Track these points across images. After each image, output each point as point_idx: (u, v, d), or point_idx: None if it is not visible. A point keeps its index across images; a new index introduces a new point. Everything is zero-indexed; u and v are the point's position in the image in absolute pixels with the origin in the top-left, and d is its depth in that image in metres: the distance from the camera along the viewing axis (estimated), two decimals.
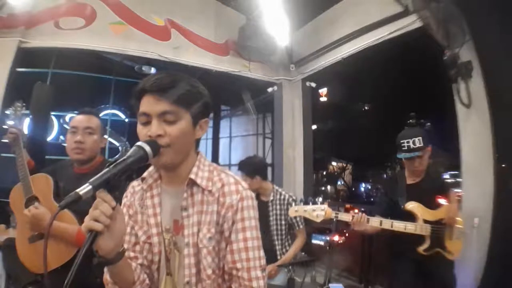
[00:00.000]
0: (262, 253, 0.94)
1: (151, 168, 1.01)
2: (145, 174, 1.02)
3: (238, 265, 0.90)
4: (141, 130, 0.89)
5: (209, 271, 0.91)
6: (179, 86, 0.89)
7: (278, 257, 2.45)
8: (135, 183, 1.05)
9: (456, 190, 2.11)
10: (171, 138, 0.87)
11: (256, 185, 2.44)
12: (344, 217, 2.03)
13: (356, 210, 2.06)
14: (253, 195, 0.97)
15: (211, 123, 5.83)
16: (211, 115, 0.95)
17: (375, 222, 2.00)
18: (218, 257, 0.93)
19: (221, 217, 0.92)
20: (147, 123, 0.88)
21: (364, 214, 2.00)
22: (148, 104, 0.88)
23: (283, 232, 2.49)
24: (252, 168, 2.45)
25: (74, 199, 0.69)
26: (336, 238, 3.15)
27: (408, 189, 2.15)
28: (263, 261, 0.93)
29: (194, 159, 0.98)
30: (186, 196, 0.94)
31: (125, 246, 0.99)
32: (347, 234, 3.56)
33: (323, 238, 4.03)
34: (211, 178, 0.96)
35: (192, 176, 0.94)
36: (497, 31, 2.57)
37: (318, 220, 2.00)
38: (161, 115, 0.87)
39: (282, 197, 2.50)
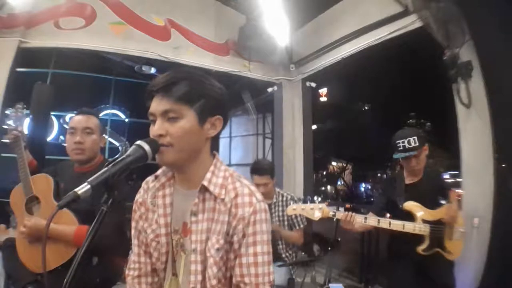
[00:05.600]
0: (271, 268, 0.91)
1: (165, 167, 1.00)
2: (159, 172, 1.00)
3: (246, 280, 0.88)
4: (151, 130, 0.89)
5: (214, 281, 0.90)
6: (181, 83, 0.87)
7: (283, 256, 2.47)
8: (150, 178, 1.03)
9: (456, 189, 2.10)
10: (172, 137, 0.86)
11: (272, 185, 2.45)
12: (341, 215, 2.02)
13: (347, 206, 2.05)
14: (267, 207, 0.94)
15: None
16: None
17: (373, 221, 2.00)
18: (226, 267, 0.92)
19: (232, 228, 0.90)
20: (154, 122, 0.89)
21: (353, 213, 1.99)
22: (153, 104, 0.89)
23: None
24: (269, 168, 2.43)
25: (72, 199, 0.68)
26: None
27: (407, 189, 2.15)
28: (272, 277, 0.91)
29: (209, 162, 0.95)
30: (198, 201, 0.92)
31: (135, 258, 1.02)
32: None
33: None
34: (224, 186, 0.93)
35: (205, 182, 0.91)
36: (497, 31, 2.57)
37: (316, 218, 1.99)
38: (163, 114, 0.87)
39: (284, 198, 2.51)
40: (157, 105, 0.88)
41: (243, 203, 0.90)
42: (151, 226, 0.98)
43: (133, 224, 1.04)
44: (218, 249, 0.89)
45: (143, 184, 1.05)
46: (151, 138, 0.87)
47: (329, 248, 2.83)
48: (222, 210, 0.91)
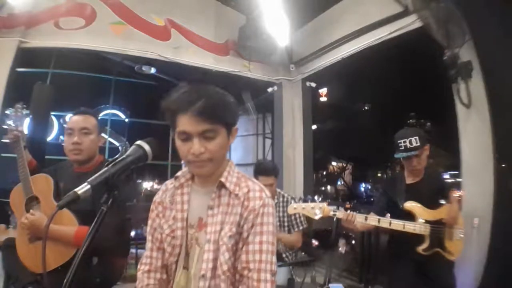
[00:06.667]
0: (274, 258, 0.99)
1: (185, 169, 1.10)
2: (178, 173, 1.10)
3: (251, 266, 0.95)
4: (181, 146, 0.96)
5: (225, 267, 0.96)
6: (215, 104, 0.95)
7: (283, 256, 2.46)
8: (168, 181, 1.13)
9: (456, 190, 2.10)
10: (212, 153, 0.96)
11: (275, 186, 2.45)
12: (342, 215, 2.02)
13: (347, 205, 2.06)
14: (273, 203, 1.05)
15: None
16: None
17: (373, 221, 2.00)
18: (235, 256, 0.99)
19: (243, 219, 0.99)
20: (186, 140, 0.95)
21: (353, 212, 1.99)
22: (188, 124, 0.94)
23: (286, 233, 2.49)
24: (274, 169, 2.45)
25: (72, 199, 0.69)
26: None
27: (408, 189, 2.15)
28: (274, 266, 0.98)
29: (226, 164, 1.06)
30: (214, 196, 1.02)
31: (147, 253, 1.09)
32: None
33: None
34: (238, 184, 1.04)
35: (223, 179, 1.02)
36: (497, 31, 2.57)
37: (316, 217, 1.99)
38: (201, 134, 0.94)
39: (285, 199, 2.51)
40: (194, 125, 0.93)
41: (254, 197, 1.01)
42: (168, 222, 1.06)
43: (149, 222, 1.12)
44: (230, 236, 0.97)
45: (162, 186, 1.14)
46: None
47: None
48: (235, 204, 1.01)
